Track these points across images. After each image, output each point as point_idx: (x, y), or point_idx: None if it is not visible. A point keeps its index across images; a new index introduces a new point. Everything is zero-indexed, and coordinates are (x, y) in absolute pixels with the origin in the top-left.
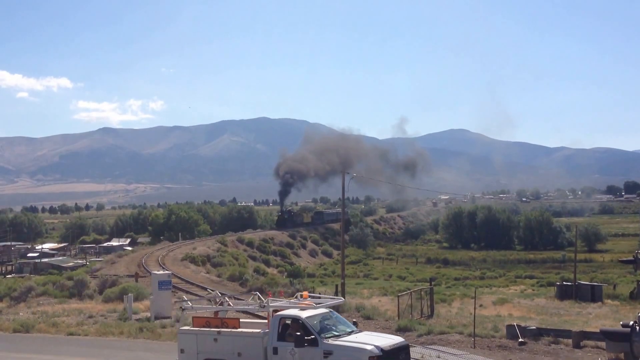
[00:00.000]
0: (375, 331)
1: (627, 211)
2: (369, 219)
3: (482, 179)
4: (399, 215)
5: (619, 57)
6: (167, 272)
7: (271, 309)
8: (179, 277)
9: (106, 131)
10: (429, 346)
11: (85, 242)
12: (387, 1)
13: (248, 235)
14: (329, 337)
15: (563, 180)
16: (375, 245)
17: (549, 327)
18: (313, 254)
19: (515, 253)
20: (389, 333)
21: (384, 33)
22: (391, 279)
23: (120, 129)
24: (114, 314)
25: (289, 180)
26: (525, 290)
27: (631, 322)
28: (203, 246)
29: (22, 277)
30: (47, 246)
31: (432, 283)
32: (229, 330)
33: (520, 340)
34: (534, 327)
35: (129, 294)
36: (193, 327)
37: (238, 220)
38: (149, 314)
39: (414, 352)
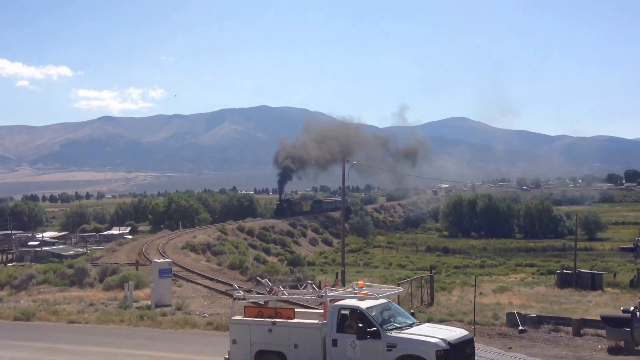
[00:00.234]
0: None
1: (628, 200)
2: (369, 208)
3: (482, 167)
4: (399, 204)
5: (620, 43)
6: (167, 260)
7: (328, 299)
8: (180, 266)
9: (106, 120)
10: None
11: (86, 230)
12: None
13: (248, 223)
14: (392, 329)
15: (564, 168)
16: (375, 234)
17: (549, 315)
18: (313, 242)
19: (516, 241)
20: None
21: (383, 20)
22: (391, 268)
23: (121, 118)
24: (115, 302)
25: (289, 166)
26: (525, 278)
27: (632, 308)
28: (203, 235)
29: (23, 265)
30: (48, 235)
31: (432, 271)
32: (285, 320)
33: (520, 328)
34: (534, 315)
35: (130, 282)
36: (245, 317)
37: (238, 208)
38: (149, 302)
39: None
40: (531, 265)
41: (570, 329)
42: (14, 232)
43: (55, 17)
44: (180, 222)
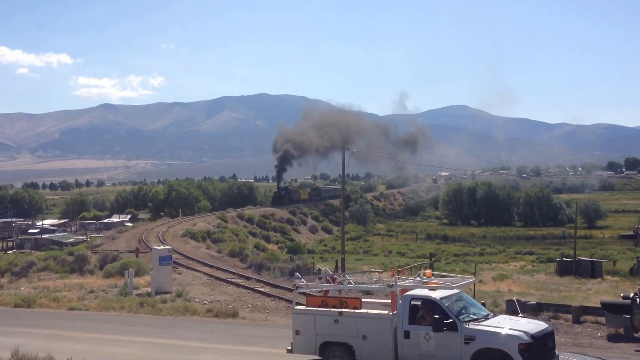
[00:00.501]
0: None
1: (628, 188)
2: (369, 196)
3: (482, 155)
4: (398, 192)
5: (621, 31)
6: (167, 247)
7: (398, 289)
8: (180, 253)
9: (106, 107)
10: None
11: (86, 218)
12: None
13: (248, 211)
14: (468, 321)
15: (564, 156)
16: (375, 222)
17: (548, 303)
18: (313, 230)
19: (515, 229)
20: None
21: (383, 9)
22: (391, 255)
23: (120, 105)
24: (115, 289)
25: (290, 151)
26: (525, 266)
27: (631, 295)
28: (203, 222)
29: (23, 252)
30: (48, 222)
31: (432, 259)
32: (353, 311)
33: (520, 315)
34: (534, 303)
35: (130, 269)
36: (307, 306)
37: (238, 196)
38: (149, 289)
39: None
40: (531, 253)
41: (569, 316)
42: (14, 219)
43: (55, 4)
44: (180, 210)
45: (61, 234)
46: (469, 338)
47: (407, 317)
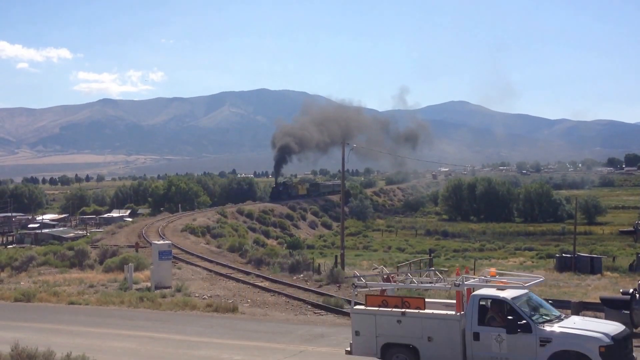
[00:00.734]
0: None
1: (628, 184)
2: (368, 191)
3: (482, 151)
4: (398, 188)
5: (622, 27)
6: (167, 242)
7: (465, 288)
8: (179, 248)
9: (106, 102)
10: None
11: (86, 213)
12: None
13: (248, 206)
14: (542, 323)
15: (564, 152)
16: (374, 217)
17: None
18: (313, 225)
19: (515, 225)
20: None
21: (382, 4)
22: (390, 251)
23: (120, 100)
24: (115, 283)
25: (290, 144)
26: (524, 262)
27: (631, 290)
28: (203, 217)
29: (23, 247)
30: (48, 217)
31: (432, 255)
32: (417, 311)
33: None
34: None
35: (130, 264)
36: (367, 306)
37: (238, 191)
38: (149, 284)
39: None
40: (530, 249)
41: (569, 311)
42: (14, 214)
43: None
44: (180, 205)
45: (61, 228)
46: (545, 340)
47: (477, 318)
